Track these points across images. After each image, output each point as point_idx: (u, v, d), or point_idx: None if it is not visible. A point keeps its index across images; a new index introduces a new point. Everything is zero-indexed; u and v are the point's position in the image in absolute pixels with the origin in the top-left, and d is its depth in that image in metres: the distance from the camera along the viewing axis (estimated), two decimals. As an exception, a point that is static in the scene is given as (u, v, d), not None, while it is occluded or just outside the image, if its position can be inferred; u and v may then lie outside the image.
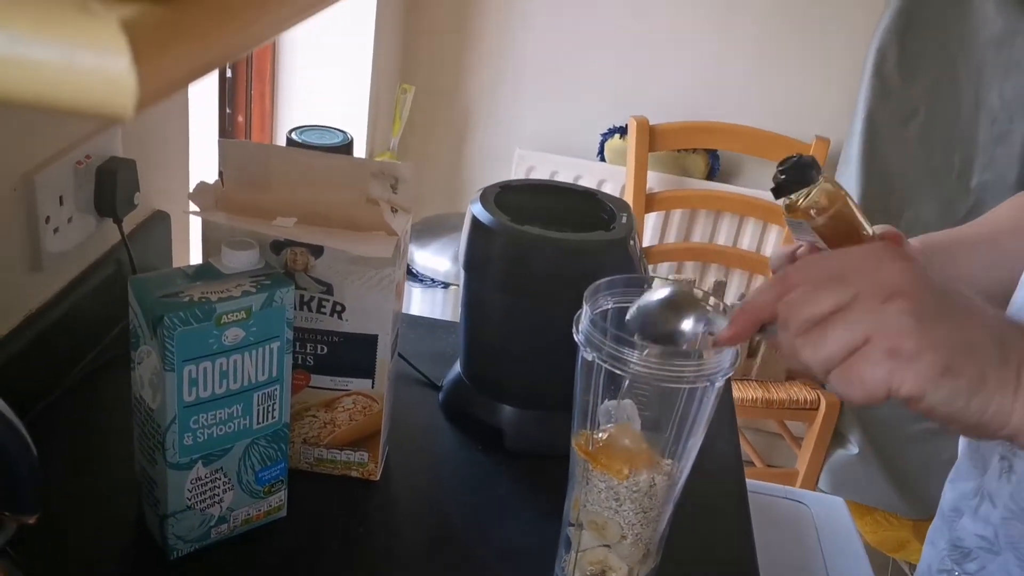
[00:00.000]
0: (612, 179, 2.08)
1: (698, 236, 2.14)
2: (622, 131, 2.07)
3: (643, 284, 0.65)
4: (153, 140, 1.05)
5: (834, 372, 0.50)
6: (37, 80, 0.26)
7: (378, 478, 0.82)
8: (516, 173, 2.12)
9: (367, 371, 0.78)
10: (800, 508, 1.06)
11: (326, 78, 1.84)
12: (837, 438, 2.11)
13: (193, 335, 0.63)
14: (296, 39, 1.81)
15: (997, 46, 1.87)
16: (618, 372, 0.59)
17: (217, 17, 0.30)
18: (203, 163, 1.27)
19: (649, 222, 2.09)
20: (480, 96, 2.17)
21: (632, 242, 0.84)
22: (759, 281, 2.14)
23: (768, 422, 2.30)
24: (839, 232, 0.68)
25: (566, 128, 2.15)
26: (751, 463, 2.21)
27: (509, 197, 0.88)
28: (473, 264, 0.87)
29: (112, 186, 0.90)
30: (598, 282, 0.64)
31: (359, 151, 1.90)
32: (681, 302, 0.61)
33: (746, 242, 2.13)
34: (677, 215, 2.12)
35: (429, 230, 1.93)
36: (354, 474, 0.82)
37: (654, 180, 2.05)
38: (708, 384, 0.60)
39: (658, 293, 0.62)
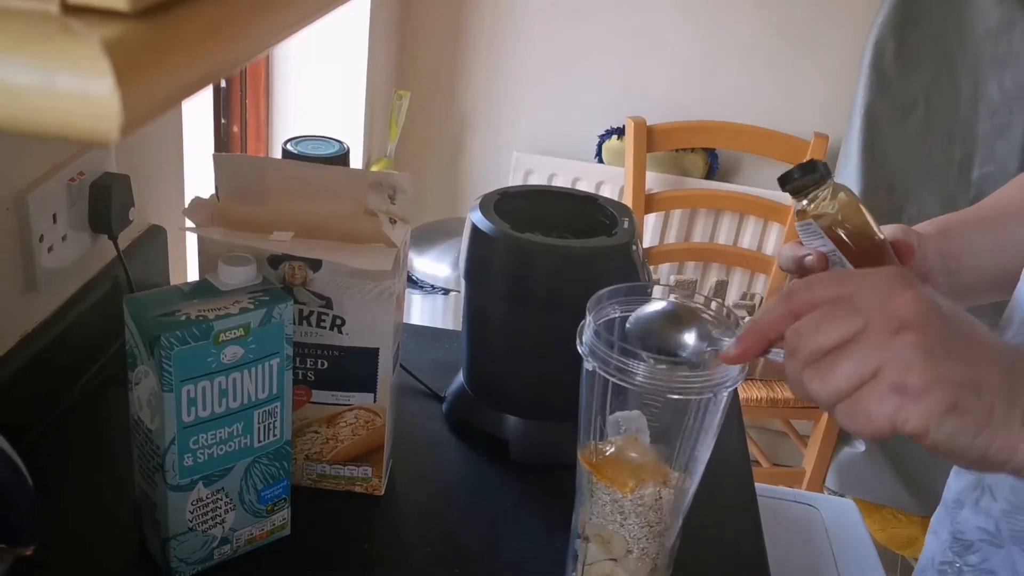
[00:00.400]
0: (611, 180, 2.07)
1: (698, 236, 2.13)
2: (619, 132, 2.06)
3: (646, 292, 0.64)
4: (147, 153, 1.03)
5: (840, 406, 0.49)
6: (16, 105, 0.24)
7: (382, 493, 0.81)
8: (514, 176, 2.11)
9: (369, 385, 0.77)
10: (811, 512, 1.05)
11: (321, 86, 1.83)
12: (843, 436, 2.10)
13: (191, 354, 0.62)
14: (290, 47, 1.80)
15: (995, 38, 1.86)
16: (624, 384, 0.58)
17: (204, 34, 0.28)
18: (198, 175, 1.26)
19: (649, 223, 2.08)
20: (476, 100, 2.15)
21: (635, 247, 0.83)
22: (761, 280, 2.13)
23: (774, 421, 2.28)
24: (850, 235, 0.68)
25: (563, 130, 2.14)
26: (757, 463, 2.19)
27: (508, 204, 0.87)
28: (474, 273, 0.85)
29: (106, 202, 0.89)
30: (601, 291, 0.63)
31: (356, 158, 1.89)
32: (680, 315, 0.60)
33: (747, 241, 2.12)
34: (677, 215, 2.11)
35: (428, 236, 1.92)
36: (358, 489, 0.81)
37: (653, 181, 2.04)
38: (715, 395, 0.59)
39: (655, 305, 0.61)
